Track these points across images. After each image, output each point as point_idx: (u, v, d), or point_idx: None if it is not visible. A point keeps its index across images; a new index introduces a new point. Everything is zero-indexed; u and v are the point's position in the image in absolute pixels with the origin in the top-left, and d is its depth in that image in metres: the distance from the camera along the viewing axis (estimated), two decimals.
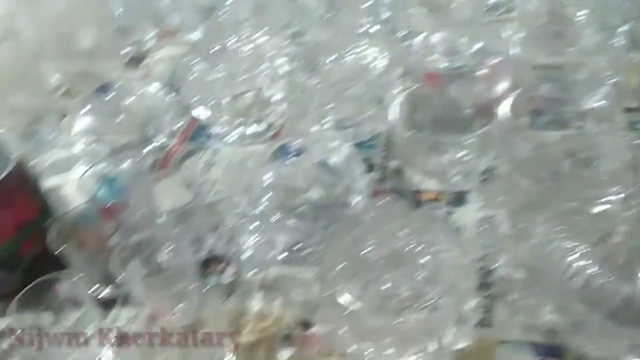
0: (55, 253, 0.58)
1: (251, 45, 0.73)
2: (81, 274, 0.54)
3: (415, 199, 0.66)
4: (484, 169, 0.64)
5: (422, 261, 0.46)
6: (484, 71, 0.72)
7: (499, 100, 0.68)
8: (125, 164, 0.69)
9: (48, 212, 0.61)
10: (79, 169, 0.74)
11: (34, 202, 0.59)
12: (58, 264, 0.62)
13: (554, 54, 0.76)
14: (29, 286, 0.53)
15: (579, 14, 0.80)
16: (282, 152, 0.62)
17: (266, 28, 0.76)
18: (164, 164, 0.75)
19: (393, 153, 0.72)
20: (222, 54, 0.73)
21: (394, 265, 0.45)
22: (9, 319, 0.60)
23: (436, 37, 0.78)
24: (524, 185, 0.58)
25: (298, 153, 0.62)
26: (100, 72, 0.88)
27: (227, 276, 0.61)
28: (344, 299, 0.45)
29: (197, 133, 0.80)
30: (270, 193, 0.60)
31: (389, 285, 0.45)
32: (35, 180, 0.60)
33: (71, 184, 0.73)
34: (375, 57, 0.70)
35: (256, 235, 0.58)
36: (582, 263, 0.45)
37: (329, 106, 0.68)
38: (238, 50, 0.72)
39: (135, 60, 0.96)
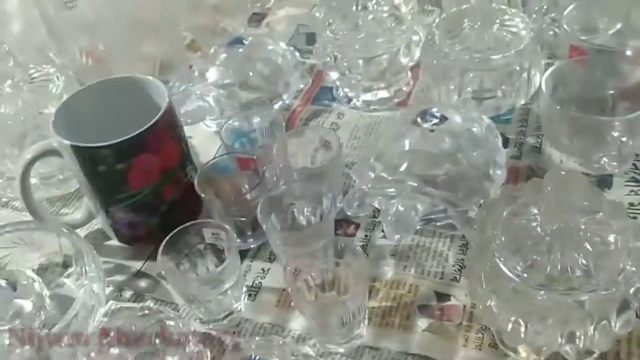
0: (194, 200, 0.60)
1: (387, 7, 0.71)
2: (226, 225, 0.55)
3: None
4: (630, 151, 0.61)
5: (593, 239, 0.44)
6: (630, 52, 0.68)
7: None
8: (256, 120, 0.69)
9: (188, 159, 0.62)
10: (209, 120, 0.75)
11: (178, 147, 0.60)
12: (193, 211, 0.64)
13: None
14: (177, 229, 0.54)
15: None
16: (422, 118, 0.60)
17: None
18: (290, 123, 0.75)
19: (529, 129, 0.69)
20: (357, 15, 0.71)
21: (564, 241, 0.43)
22: (140, 262, 0.62)
23: (574, 13, 0.74)
24: None
25: (441, 119, 0.60)
26: (225, 28, 0.88)
27: (358, 239, 0.61)
28: (507, 272, 0.43)
29: (320, 95, 0.80)
30: (409, 159, 0.59)
31: (556, 262, 0.43)
32: (181, 125, 0.61)
33: (201, 134, 0.74)
34: (520, 28, 0.67)
35: (395, 201, 0.57)
36: None
37: (470, 75, 0.66)
38: (375, 11, 0.70)
39: (256, 18, 0.96)
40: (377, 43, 0.69)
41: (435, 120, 0.60)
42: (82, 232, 0.63)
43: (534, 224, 0.45)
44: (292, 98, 0.77)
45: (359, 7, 0.70)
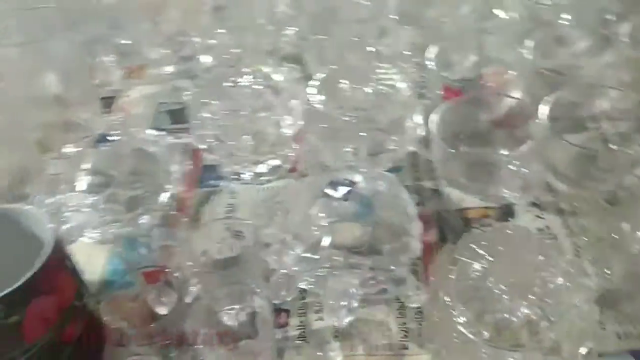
0: (98, 329, 0.52)
1: (260, 79, 0.69)
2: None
3: (462, 217, 0.65)
4: (529, 179, 0.64)
5: (542, 285, 0.44)
6: (494, 83, 0.73)
7: (516, 110, 0.69)
8: (143, 219, 0.63)
9: (84, 287, 0.54)
10: (89, 231, 0.66)
11: (71, 279, 0.52)
12: (99, 342, 0.56)
13: (555, 58, 0.77)
14: None
15: (563, 16, 0.82)
16: (332, 188, 0.58)
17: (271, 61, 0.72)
18: (180, 213, 0.69)
19: (422, 173, 0.70)
20: (232, 92, 0.68)
21: (520, 295, 0.43)
22: None
23: (435, 53, 0.78)
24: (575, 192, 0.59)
25: (350, 185, 0.58)
26: (76, 121, 0.80)
27: (293, 328, 0.57)
28: (476, 340, 0.42)
29: (204, 176, 0.75)
30: (330, 233, 0.56)
31: (520, 317, 0.43)
32: (67, 253, 0.53)
33: (82, 249, 0.65)
34: (396, 80, 0.68)
35: (330, 283, 0.54)
36: None
37: (361, 135, 0.65)
38: (250, 85, 0.68)
39: (107, 104, 0.88)
40: (260, 118, 0.66)
41: (346, 188, 0.58)
42: None
43: (488, 283, 0.45)
44: (176, 186, 0.71)
45: (232, 83, 0.67)
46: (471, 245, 0.47)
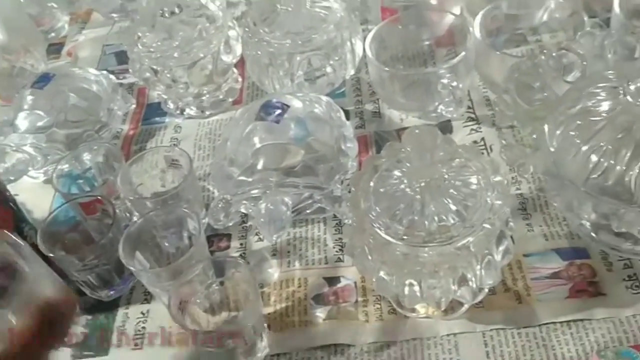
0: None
1: (195, 8, 0.68)
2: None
3: (401, 136, 0.65)
4: (463, 94, 0.64)
5: (457, 185, 0.45)
6: (435, 1, 0.72)
7: (455, 28, 0.68)
8: (87, 157, 0.63)
9: (23, 221, 0.55)
10: (34, 172, 0.67)
11: (7, 212, 0.53)
12: None
13: None
14: None
15: None
16: (264, 111, 0.59)
17: None
18: (124, 150, 0.69)
19: (364, 97, 0.71)
20: (165, 22, 0.67)
21: (433, 195, 0.44)
22: None
23: None
24: (511, 102, 0.59)
25: (283, 108, 0.58)
26: (22, 67, 0.79)
27: (234, 250, 0.58)
28: (390, 239, 0.44)
29: (149, 113, 0.75)
30: (263, 155, 0.57)
31: (431, 216, 0.44)
32: (4, 187, 0.53)
33: (29, 189, 0.66)
34: (331, 2, 0.67)
35: (262, 201, 0.55)
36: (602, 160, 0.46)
37: (297, 59, 0.65)
38: (184, 14, 0.67)
39: (54, 50, 0.87)
40: (195, 47, 0.65)
41: (278, 111, 0.58)
42: None
43: (402, 186, 0.45)
44: (119, 123, 0.72)
45: (166, 14, 0.66)
46: (389, 153, 0.48)
